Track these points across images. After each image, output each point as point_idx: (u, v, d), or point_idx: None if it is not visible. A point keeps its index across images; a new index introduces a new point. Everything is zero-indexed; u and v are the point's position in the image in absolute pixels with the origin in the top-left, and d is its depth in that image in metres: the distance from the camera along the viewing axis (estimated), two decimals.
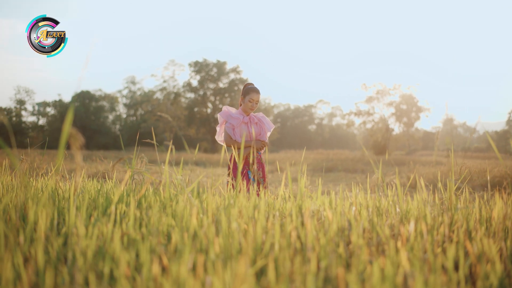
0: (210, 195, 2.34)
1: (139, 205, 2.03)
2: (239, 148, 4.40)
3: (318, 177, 16.95)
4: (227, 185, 4.31)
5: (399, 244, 1.53)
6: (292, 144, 80.00)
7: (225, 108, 4.57)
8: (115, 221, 1.84)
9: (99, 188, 2.36)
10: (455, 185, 2.36)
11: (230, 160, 4.38)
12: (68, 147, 1.45)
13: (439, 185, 2.66)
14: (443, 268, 1.40)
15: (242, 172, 4.31)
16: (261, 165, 4.45)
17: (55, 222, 1.80)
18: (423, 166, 17.40)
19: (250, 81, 4.96)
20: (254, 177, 4.31)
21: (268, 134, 4.63)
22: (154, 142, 2.80)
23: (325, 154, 35.01)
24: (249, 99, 4.45)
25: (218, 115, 4.51)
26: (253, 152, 4.42)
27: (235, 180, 4.25)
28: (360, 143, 51.51)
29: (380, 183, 2.66)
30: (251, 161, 4.02)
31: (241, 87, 26.99)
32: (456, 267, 1.52)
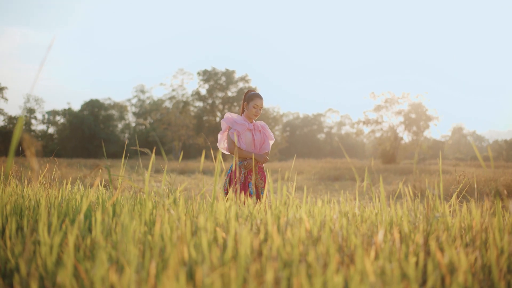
0: (191, 203, 2.31)
1: (114, 212, 2.01)
2: (241, 157, 4.33)
3: (324, 186, 16.90)
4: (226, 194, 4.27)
5: (372, 253, 1.49)
6: (301, 152, 79.82)
7: (228, 114, 4.45)
8: (87, 229, 1.81)
9: (74, 196, 2.34)
10: (452, 194, 2.31)
11: (231, 168, 4.31)
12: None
13: (427, 193, 2.61)
14: (406, 277, 1.36)
15: (243, 183, 4.24)
16: (262, 174, 4.38)
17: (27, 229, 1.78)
18: (430, 175, 17.27)
19: (258, 90, 4.93)
20: (254, 188, 4.23)
21: (271, 142, 4.57)
22: (148, 150, 2.78)
23: (333, 163, 34.88)
24: (253, 105, 4.36)
25: (221, 121, 4.40)
26: (257, 165, 4.35)
27: (232, 189, 4.19)
28: (369, 152, 51.32)
29: (367, 191, 2.61)
30: (253, 178, 3.97)
31: None
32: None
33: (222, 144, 4.49)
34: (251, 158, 4.27)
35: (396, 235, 1.54)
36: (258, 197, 4.23)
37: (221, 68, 54.54)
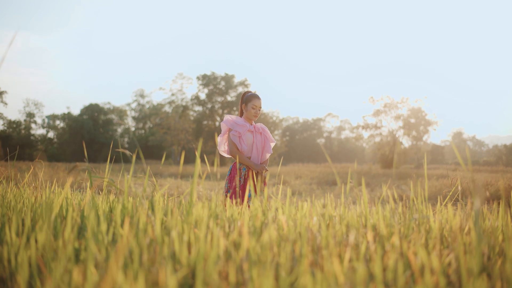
0: (172, 205, 2.29)
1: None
2: (235, 163, 4.24)
3: (321, 190, 16.86)
4: (226, 196, 4.20)
5: (347, 254, 1.48)
6: (301, 157, 79.86)
7: (228, 116, 4.38)
8: (62, 229, 1.80)
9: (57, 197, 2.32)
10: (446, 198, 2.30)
11: (231, 170, 4.26)
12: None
13: (412, 197, 2.59)
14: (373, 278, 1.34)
15: (243, 185, 4.17)
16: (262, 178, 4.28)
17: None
18: (428, 179, 17.24)
19: (257, 93, 4.77)
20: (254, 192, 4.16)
21: (272, 145, 4.52)
22: (131, 153, 2.78)
23: (332, 167, 34.77)
24: (252, 105, 4.31)
25: (221, 124, 4.34)
26: (257, 174, 4.29)
27: (233, 192, 4.13)
28: (369, 156, 51.29)
29: (348, 194, 2.60)
30: (257, 187, 3.93)
31: None
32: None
33: (223, 147, 4.43)
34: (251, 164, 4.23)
35: (370, 237, 1.52)
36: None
37: (220, 72, 54.59)
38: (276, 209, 2.29)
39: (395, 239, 1.60)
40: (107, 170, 2.76)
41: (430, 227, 1.96)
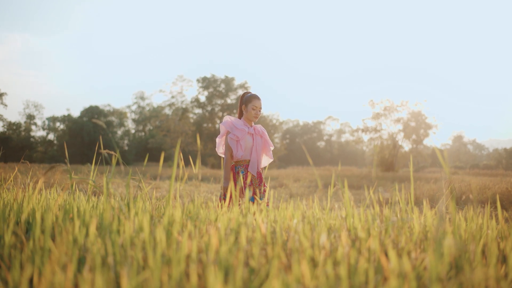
0: (154, 207, 2.25)
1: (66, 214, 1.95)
2: (233, 166, 4.19)
3: (320, 193, 16.79)
4: (222, 200, 4.10)
5: (321, 257, 1.44)
6: (301, 160, 79.76)
7: (228, 118, 4.29)
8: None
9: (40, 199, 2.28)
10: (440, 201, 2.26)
11: (232, 175, 4.16)
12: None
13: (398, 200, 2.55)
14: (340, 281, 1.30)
15: (240, 188, 4.04)
16: (261, 179, 4.22)
17: None
18: (427, 183, 17.18)
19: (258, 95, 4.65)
20: (254, 195, 4.07)
21: (272, 148, 4.42)
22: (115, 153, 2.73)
23: (331, 170, 34.81)
24: (252, 106, 4.20)
25: (220, 125, 4.25)
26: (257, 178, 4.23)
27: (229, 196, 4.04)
28: (369, 160, 51.21)
29: (331, 196, 2.56)
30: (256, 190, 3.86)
31: None
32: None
33: (221, 149, 4.36)
34: (246, 164, 4.18)
35: (344, 239, 1.48)
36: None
37: (220, 75, 54.56)
38: (259, 212, 2.25)
39: (371, 242, 1.56)
40: (92, 171, 2.72)
41: (412, 230, 1.92)
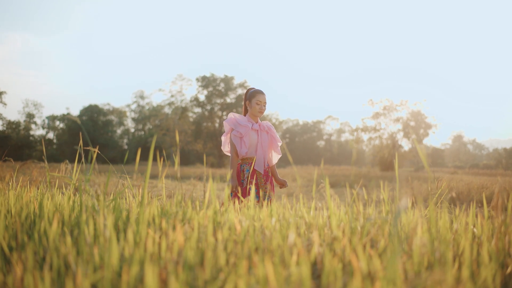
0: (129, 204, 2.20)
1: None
2: (240, 164, 4.09)
3: (317, 193, 16.76)
4: (232, 199, 3.98)
5: (294, 256, 1.39)
6: (300, 160, 79.73)
7: (232, 115, 4.19)
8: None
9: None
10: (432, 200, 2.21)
11: (237, 173, 4.07)
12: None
13: (384, 198, 2.51)
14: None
15: (245, 187, 3.98)
16: (267, 178, 4.14)
17: None
18: (425, 182, 17.16)
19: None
20: (258, 194, 3.99)
21: (280, 144, 4.30)
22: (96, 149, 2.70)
23: (330, 169, 34.77)
24: (256, 101, 4.08)
25: (224, 123, 4.14)
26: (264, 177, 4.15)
27: (235, 194, 3.95)
28: (368, 159, 51.19)
29: (314, 195, 2.51)
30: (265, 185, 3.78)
31: None
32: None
33: (227, 147, 4.27)
34: (251, 161, 4.07)
35: (316, 239, 1.43)
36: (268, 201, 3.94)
37: (220, 74, 54.48)
38: (239, 210, 2.21)
39: (345, 241, 1.51)
40: (75, 169, 2.67)
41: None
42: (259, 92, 4.16)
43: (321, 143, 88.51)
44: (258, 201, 3.94)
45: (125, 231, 1.72)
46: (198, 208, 2.29)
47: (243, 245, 1.64)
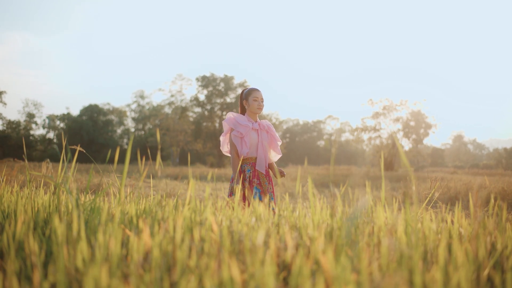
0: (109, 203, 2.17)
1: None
2: (241, 164, 4.02)
3: (316, 192, 16.70)
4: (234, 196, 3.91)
5: (268, 258, 1.36)
6: (301, 159, 79.69)
7: (231, 114, 4.15)
8: None
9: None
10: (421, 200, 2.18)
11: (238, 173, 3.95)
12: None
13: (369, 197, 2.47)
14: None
15: (248, 187, 3.95)
16: (269, 178, 4.10)
17: None
18: (424, 182, 17.14)
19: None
20: (262, 193, 3.94)
21: (279, 143, 4.28)
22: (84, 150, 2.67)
23: (330, 169, 34.76)
24: (253, 98, 4.06)
25: (223, 123, 4.11)
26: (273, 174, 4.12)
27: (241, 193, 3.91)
28: (369, 159, 51.11)
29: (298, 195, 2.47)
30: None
31: None
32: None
33: (226, 147, 4.23)
34: (253, 161, 4.04)
35: (289, 240, 1.40)
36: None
37: (219, 74, 54.42)
38: (219, 210, 2.17)
39: (320, 242, 1.48)
40: (60, 167, 2.64)
41: (372, 229, 1.84)
42: (255, 90, 4.14)
43: (322, 143, 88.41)
44: (261, 201, 3.90)
45: (94, 232, 1.69)
46: (181, 207, 2.26)
47: (220, 245, 1.61)
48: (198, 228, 1.78)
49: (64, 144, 2.54)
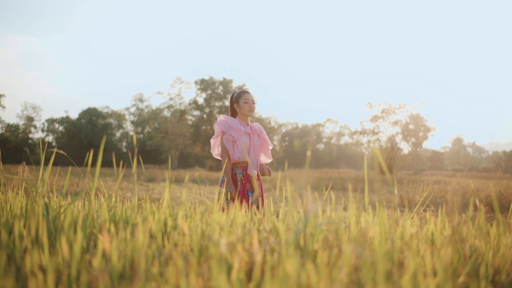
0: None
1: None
2: (232, 168, 3.98)
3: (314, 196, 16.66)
4: (223, 201, 3.85)
5: (236, 262, 1.30)
6: (300, 163, 79.62)
7: (223, 117, 4.08)
8: None
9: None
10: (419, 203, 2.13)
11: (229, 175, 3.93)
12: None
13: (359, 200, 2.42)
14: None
15: (242, 191, 3.89)
16: (260, 182, 4.03)
17: None
18: (420, 186, 17.04)
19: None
20: (253, 198, 3.89)
21: (270, 147, 4.21)
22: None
23: (329, 173, 34.72)
24: (244, 100, 4.01)
25: (215, 125, 4.04)
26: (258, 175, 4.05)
27: (230, 197, 3.84)
28: (368, 162, 50.95)
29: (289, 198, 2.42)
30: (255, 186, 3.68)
31: None
32: None
33: (216, 150, 4.17)
34: (245, 164, 3.97)
35: (255, 245, 1.34)
36: (257, 206, 3.84)
37: (218, 77, 54.42)
38: (195, 215, 2.12)
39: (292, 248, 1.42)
40: (41, 172, 2.59)
41: (349, 234, 1.79)
42: (244, 92, 4.10)
43: (321, 146, 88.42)
44: (253, 205, 3.84)
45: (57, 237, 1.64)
46: (157, 211, 2.21)
47: (193, 251, 1.56)
48: (172, 233, 1.73)
49: (45, 148, 2.49)
